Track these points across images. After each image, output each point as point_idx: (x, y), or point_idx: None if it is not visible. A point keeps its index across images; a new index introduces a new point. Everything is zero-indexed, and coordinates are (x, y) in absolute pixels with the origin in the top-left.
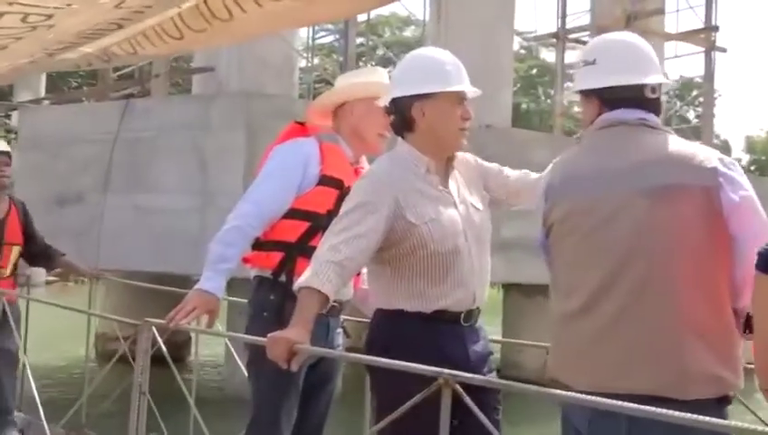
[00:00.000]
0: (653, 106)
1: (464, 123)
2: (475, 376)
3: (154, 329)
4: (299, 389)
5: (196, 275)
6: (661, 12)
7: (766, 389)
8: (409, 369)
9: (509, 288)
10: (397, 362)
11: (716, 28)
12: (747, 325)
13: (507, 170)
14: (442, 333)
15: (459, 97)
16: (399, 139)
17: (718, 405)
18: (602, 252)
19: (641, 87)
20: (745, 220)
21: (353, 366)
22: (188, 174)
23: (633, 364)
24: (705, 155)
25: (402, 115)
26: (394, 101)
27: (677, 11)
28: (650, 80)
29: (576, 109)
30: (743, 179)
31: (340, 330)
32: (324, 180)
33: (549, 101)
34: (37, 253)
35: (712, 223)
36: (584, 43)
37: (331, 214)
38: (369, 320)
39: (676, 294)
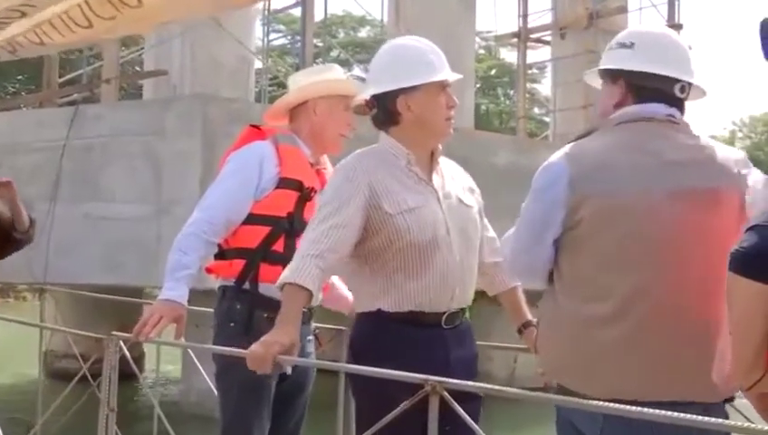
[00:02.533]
0: (680, 105)
1: (449, 111)
2: (463, 382)
3: (121, 343)
4: (270, 400)
5: (152, 286)
6: (624, 10)
7: (748, 388)
8: (394, 377)
9: (475, 295)
10: (380, 370)
11: (680, 26)
12: None
13: (492, 242)
14: (422, 337)
15: (442, 85)
16: (382, 133)
17: (723, 405)
18: (640, 254)
19: (673, 83)
20: None
21: (326, 375)
22: (142, 182)
23: (661, 373)
24: (741, 160)
25: (386, 109)
26: (374, 95)
27: (640, 9)
28: (687, 77)
29: (537, 110)
30: None
31: (311, 337)
32: (283, 183)
33: (509, 102)
34: None
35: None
36: (546, 42)
37: (292, 217)
38: (340, 326)
39: (711, 303)
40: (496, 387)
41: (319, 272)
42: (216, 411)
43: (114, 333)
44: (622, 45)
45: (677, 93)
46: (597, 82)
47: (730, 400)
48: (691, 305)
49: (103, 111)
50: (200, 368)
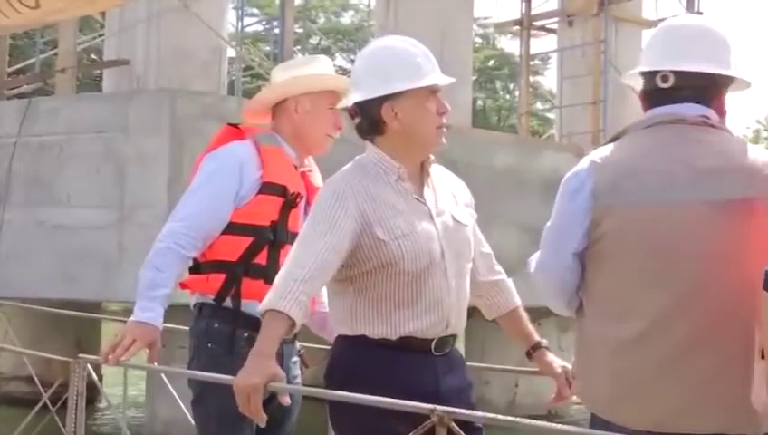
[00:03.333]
0: (716, 102)
1: (440, 119)
2: (474, 413)
3: (89, 367)
4: (253, 429)
5: (112, 301)
6: None
7: None
8: (398, 406)
9: (471, 312)
10: (384, 399)
11: (700, 15)
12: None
13: (488, 258)
14: (410, 364)
15: (431, 90)
16: (368, 143)
17: None
18: (670, 272)
19: (712, 78)
20: None
21: (313, 399)
22: (103, 185)
23: (702, 401)
24: None
25: (370, 118)
26: (357, 103)
27: None
28: (724, 70)
29: (539, 106)
30: None
31: (296, 359)
32: (265, 188)
33: (509, 96)
34: None
35: None
36: (552, 31)
37: (276, 225)
38: (328, 346)
39: (751, 326)
40: (510, 418)
41: (305, 299)
42: None
43: (81, 355)
44: (659, 40)
45: (714, 90)
46: (635, 83)
47: None
48: (730, 325)
49: (59, 105)
50: (173, 392)
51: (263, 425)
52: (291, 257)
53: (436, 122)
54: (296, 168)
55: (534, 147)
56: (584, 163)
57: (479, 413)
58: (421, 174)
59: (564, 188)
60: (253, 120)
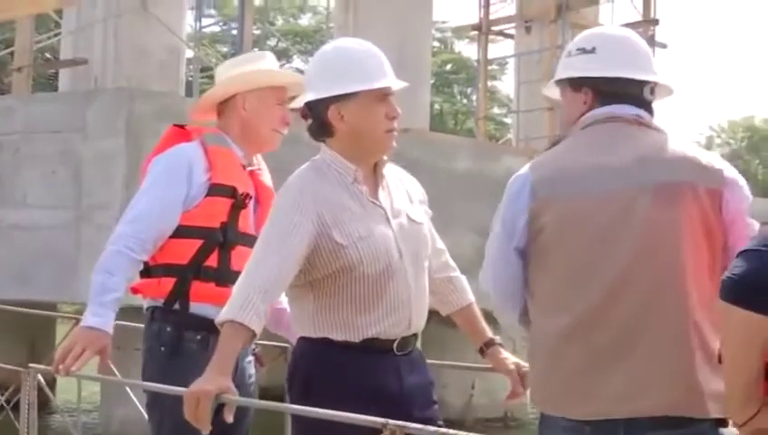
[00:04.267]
0: (648, 109)
1: (390, 123)
2: (425, 427)
3: (40, 377)
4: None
5: (68, 302)
6: (595, 2)
7: (742, 424)
8: (351, 420)
9: (429, 316)
10: (334, 412)
11: (656, 22)
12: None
13: (441, 254)
14: (373, 364)
15: (382, 94)
16: (322, 145)
17: (717, 427)
18: (603, 262)
19: (641, 86)
20: (744, 231)
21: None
22: (59, 185)
23: (641, 385)
24: (710, 156)
25: (318, 119)
26: (307, 104)
27: (613, 1)
28: (654, 78)
29: (497, 111)
30: (746, 186)
31: (250, 358)
32: (214, 189)
33: (465, 101)
34: None
35: (711, 229)
36: (509, 36)
37: (226, 227)
38: (284, 344)
39: (686, 307)
40: (461, 433)
41: (265, 309)
42: None
43: (32, 365)
44: (582, 51)
45: (647, 96)
46: (555, 93)
47: (724, 423)
48: (664, 309)
49: (14, 105)
50: (129, 392)
51: (205, 433)
52: (250, 265)
53: (386, 126)
54: (244, 167)
55: (492, 151)
56: (524, 168)
57: (431, 428)
58: (375, 175)
59: (508, 191)
60: (200, 119)
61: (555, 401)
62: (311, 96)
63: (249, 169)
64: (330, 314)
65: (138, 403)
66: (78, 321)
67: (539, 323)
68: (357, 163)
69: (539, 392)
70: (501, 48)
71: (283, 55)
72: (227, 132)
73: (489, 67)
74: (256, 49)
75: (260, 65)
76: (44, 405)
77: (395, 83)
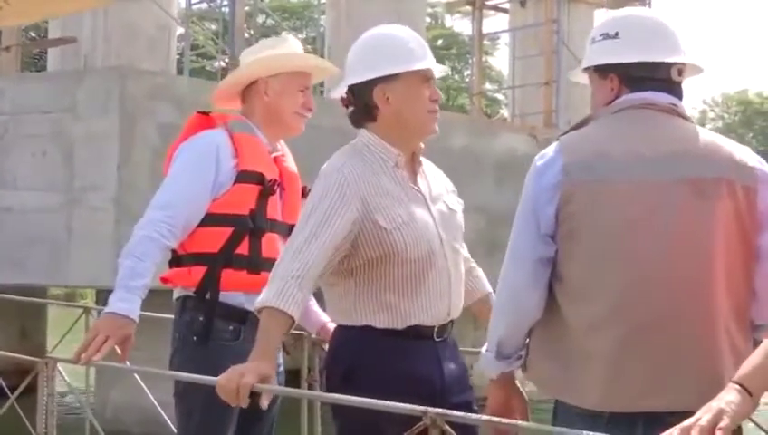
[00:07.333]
0: (678, 91)
1: (433, 105)
2: (467, 414)
3: (59, 367)
4: (235, 421)
5: (60, 285)
6: None
7: None
8: (389, 408)
9: None
10: (372, 400)
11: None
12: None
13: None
14: (416, 351)
15: (425, 76)
16: (362, 130)
17: None
18: (635, 250)
19: (669, 68)
20: None
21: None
22: (50, 167)
23: (669, 379)
24: (744, 151)
25: (363, 103)
26: (351, 88)
27: None
28: (681, 59)
29: (488, 86)
30: None
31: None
32: (242, 176)
33: (458, 77)
34: None
35: (745, 226)
36: (504, 10)
37: (255, 214)
38: (302, 332)
39: (715, 304)
40: (504, 420)
41: (303, 296)
42: (135, 427)
43: (50, 355)
44: (606, 36)
45: (675, 77)
46: (585, 79)
47: None
48: (693, 302)
49: (3, 85)
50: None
51: (243, 405)
52: (288, 251)
53: (428, 107)
54: (270, 153)
55: (488, 128)
56: (552, 146)
57: (473, 416)
58: (413, 162)
59: (532, 169)
60: (223, 106)
61: (573, 390)
62: (353, 79)
63: (274, 154)
64: (373, 300)
65: (155, 401)
66: (87, 310)
67: (568, 309)
68: (399, 148)
69: (555, 379)
70: (493, 23)
71: (270, 32)
72: (251, 118)
73: (485, 42)
74: (244, 26)
75: (281, 49)
76: (29, 391)
77: (435, 67)
